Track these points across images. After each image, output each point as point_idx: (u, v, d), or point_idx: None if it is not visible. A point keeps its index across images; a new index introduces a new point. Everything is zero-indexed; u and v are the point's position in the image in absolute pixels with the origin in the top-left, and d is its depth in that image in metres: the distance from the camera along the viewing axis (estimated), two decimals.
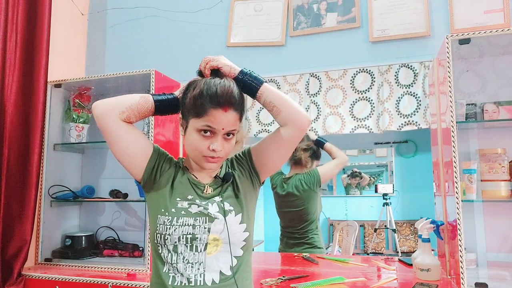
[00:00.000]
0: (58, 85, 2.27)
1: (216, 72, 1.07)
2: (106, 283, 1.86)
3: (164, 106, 1.09)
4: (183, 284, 1.03)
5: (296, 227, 2.40)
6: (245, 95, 1.09)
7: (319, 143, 2.37)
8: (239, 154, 1.17)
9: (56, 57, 2.36)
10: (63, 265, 2.12)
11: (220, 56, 1.09)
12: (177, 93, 1.11)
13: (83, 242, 2.26)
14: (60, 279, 1.93)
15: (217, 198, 1.09)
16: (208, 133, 1.02)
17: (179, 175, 1.12)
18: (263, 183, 1.19)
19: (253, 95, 1.08)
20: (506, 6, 1.88)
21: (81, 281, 1.90)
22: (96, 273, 1.98)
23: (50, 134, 2.24)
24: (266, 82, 1.08)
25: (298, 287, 1.62)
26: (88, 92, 2.39)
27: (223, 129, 1.02)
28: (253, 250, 2.91)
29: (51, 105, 2.25)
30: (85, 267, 2.07)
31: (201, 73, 1.08)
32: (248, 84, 1.06)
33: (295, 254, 2.31)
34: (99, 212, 2.44)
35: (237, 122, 1.04)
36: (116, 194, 2.26)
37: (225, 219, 1.05)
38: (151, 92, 1.12)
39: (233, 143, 1.07)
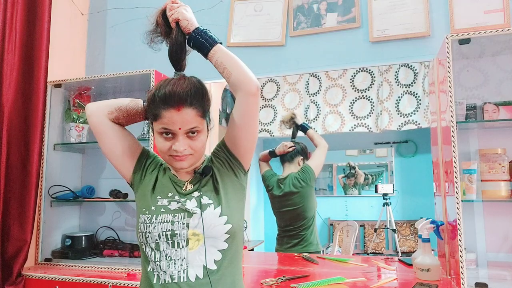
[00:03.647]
0: (58, 85, 2.27)
1: (176, 25, 1.08)
2: (106, 283, 1.86)
3: None
4: (167, 282, 1.03)
5: (295, 226, 2.43)
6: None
7: (303, 128, 2.45)
8: (215, 148, 1.17)
9: (56, 57, 2.36)
10: (63, 265, 2.12)
11: (185, 6, 1.09)
12: None
13: (83, 242, 2.26)
14: (60, 279, 1.93)
15: (196, 193, 1.09)
16: (170, 135, 1.02)
17: (161, 175, 1.14)
18: (248, 170, 1.16)
19: (205, 54, 1.07)
20: (506, 6, 1.88)
21: (81, 281, 1.90)
22: (96, 273, 1.98)
23: (50, 134, 2.23)
24: (220, 43, 1.07)
25: (298, 287, 1.62)
26: (88, 92, 2.39)
27: (180, 128, 1.00)
28: (252, 249, 2.92)
29: (51, 105, 2.25)
30: (85, 267, 2.07)
31: (164, 16, 1.10)
32: (200, 43, 1.06)
33: (295, 254, 2.31)
34: (99, 212, 2.44)
35: (196, 119, 1.02)
36: (116, 194, 2.26)
37: (201, 213, 1.04)
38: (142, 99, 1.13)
39: (202, 139, 1.05)
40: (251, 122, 1.08)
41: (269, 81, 2.51)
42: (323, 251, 2.71)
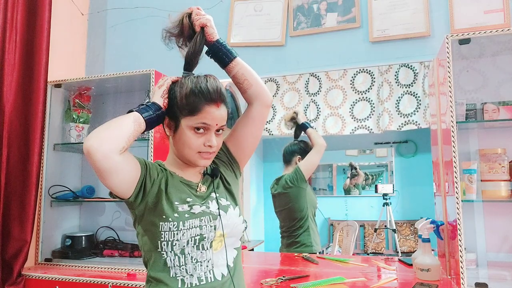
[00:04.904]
0: (58, 85, 2.27)
1: (202, 29, 1.09)
2: (106, 283, 1.86)
3: (154, 123, 1.06)
4: (194, 285, 1.03)
5: (287, 226, 2.43)
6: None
7: (303, 127, 2.39)
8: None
9: (56, 57, 2.35)
10: (63, 265, 2.12)
11: (209, 15, 1.11)
12: (158, 99, 1.05)
13: (83, 242, 2.26)
14: (60, 279, 1.93)
15: (213, 195, 1.11)
16: (202, 130, 1.04)
17: (170, 180, 1.09)
18: (241, 172, 1.24)
19: (225, 64, 1.11)
20: (506, 6, 1.88)
21: (81, 281, 1.90)
22: (96, 273, 1.98)
23: (50, 134, 2.23)
24: (238, 56, 1.12)
25: (298, 287, 1.62)
26: (88, 92, 2.39)
27: (216, 124, 1.04)
28: (252, 249, 2.92)
29: (51, 105, 2.25)
30: (85, 267, 2.07)
31: (189, 19, 1.10)
32: (223, 53, 1.11)
33: (295, 254, 2.31)
34: (99, 212, 2.44)
35: (226, 117, 1.07)
36: None
37: (219, 214, 1.07)
38: (144, 103, 1.07)
39: (223, 138, 1.12)
40: (260, 130, 1.18)
41: (269, 81, 2.51)
42: (323, 251, 2.71)
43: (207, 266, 1.05)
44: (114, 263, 2.08)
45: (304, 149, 2.48)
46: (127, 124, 0.98)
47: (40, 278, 1.97)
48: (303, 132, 2.43)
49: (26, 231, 2.03)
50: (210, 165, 1.16)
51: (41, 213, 2.17)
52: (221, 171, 1.17)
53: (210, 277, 1.04)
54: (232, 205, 1.12)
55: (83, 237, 2.27)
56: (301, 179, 2.37)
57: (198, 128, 1.03)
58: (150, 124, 1.03)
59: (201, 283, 1.03)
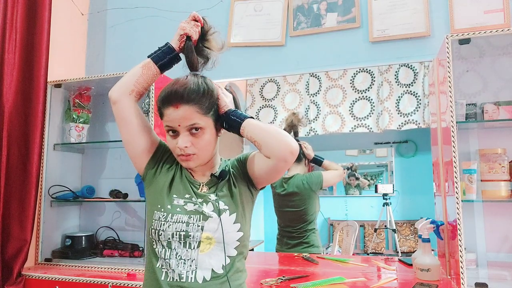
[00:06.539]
0: (58, 85, 2.27)
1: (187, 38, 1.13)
2: (106, 283, 1.86)
3: (167, 63, 1.13)
4: (174, 280, 1.04)
5: (295, 227, 2.43)
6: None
7: (317, 161, 2.46)
8: (239, 158, 1.17)
9: (56, 57, 2.35)
10: (63, 265, 2.12)
11: (227, 96, 1.11)
12: (174, 42, 1.14)
13: (83, 242, 2.26)
14: (60, 279, 1.93)
15: (213, 197, 1.09)
16: (174, 133, 1.06)
17: (179, 174, 1.14)
18: (262, 188, 1.16)
19: (238, 132, 1.08)
20: (506, 6, 1.88)
21: (81, 281, 1.90)
22: (96, 273, 1.98)
23: (50, 134, 2.23)
24: (250, 118, 1.07)
25: (298, 287, 1.62)
26: (88, 92, 2.39)
27: (179, 125, 1.03)
28: (252, 249, 2.92)
29: (51, 105, 2.25)
30: (85, 267, 2.07)
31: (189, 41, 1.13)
32: (230, 125, 1.08)
33: (295, 254, 2.31)
34: (99, 212, 2.44)
35: (195, 115, 1.03)
36: (116, 194, 2.26)
37: (219, 218, 1.06)
38: (151, 58, 1.15)
39: (206, 138, 1.06)
40: (276, 175, 1.11)
41: (269, 81, 2.51)
42: (322, 251, 2.71)
43: (190, 265, 1.04)
44: (114, 263, 2.08)
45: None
46: (136, 69, 1.13)
47: (40, 278, 1.97)
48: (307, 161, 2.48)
49: (26, 231, 2.03)
50: (225, 168, 1.14)
51: (41, 213, 2.17)
52: (231, 175, 1.13)
53: (191, 277, 1.03)
54: (229, 210, 1.08)
55: (83, 237, 2.27)
56: (317, 183, 2.43)
57: (171, 131, 1.06)
58: (162, 66, 1.13)
59: (181, 280, 1.03)
